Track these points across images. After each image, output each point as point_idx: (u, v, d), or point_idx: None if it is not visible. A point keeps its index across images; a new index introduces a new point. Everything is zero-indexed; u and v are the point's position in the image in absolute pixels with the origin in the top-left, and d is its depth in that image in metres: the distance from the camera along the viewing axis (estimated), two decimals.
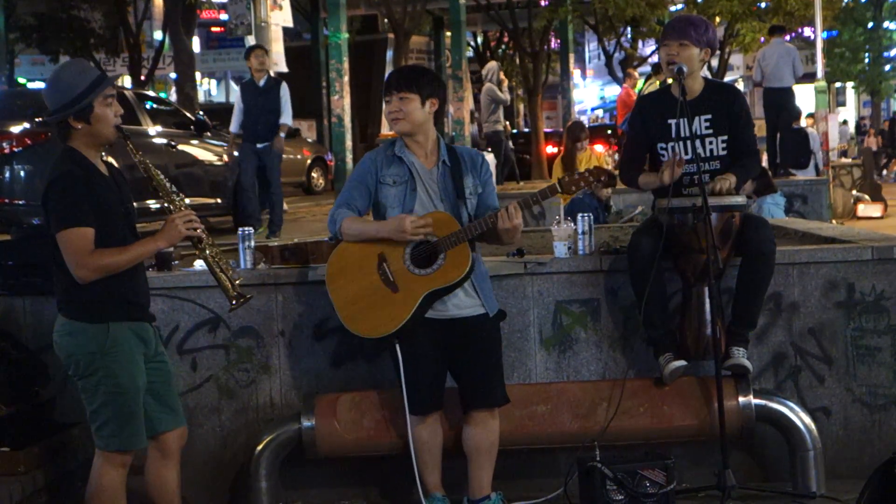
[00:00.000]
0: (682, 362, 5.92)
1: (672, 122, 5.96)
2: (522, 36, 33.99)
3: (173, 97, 24.97)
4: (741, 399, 5.90)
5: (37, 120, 11.16)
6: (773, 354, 6.31)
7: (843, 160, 26.59)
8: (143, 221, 5.32)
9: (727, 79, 37.34)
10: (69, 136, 4.90)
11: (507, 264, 6.27)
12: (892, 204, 22.57)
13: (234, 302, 5.10)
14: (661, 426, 5.98)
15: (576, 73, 43.49)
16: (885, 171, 35.77)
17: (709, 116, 5.99)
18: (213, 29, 39.08)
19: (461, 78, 26.02)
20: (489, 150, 20.56)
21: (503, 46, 40.60)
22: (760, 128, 18.00)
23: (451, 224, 5.40)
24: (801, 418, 5.97)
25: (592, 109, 52.65)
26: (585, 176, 5.47)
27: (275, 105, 12.67)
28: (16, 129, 11.12)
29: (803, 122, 19.65)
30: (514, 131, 26.99)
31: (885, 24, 43.87)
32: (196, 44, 29.21)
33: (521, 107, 41.60)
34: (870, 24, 43.36)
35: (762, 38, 28.41)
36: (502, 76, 20.27)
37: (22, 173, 10.95)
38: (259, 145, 12.67)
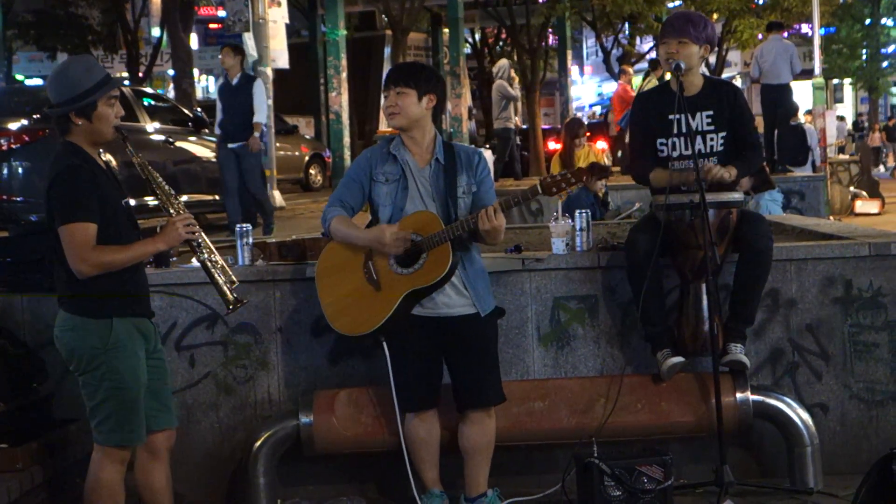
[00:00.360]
0: (679, 358, 5.93)
1: (673, 117, 5.96)
2: (520, 32, 33.96)
3: (171, 94, 24.95)
4: (739, 395, 5.90)
5: (34, 116, 11.16)
6: (770, 351, 6.32)
7: (841, 156, 26.59)
8: (141, 218, 5.31)
9: (724, 75, 37.29)
10: (68, 131, 4.90)
11: (504, 261, 6.27)
12: (890, 200, 22.57)
13: (230, 307, 5.10)
14: (659, 422, 5.99)
15: (573, 70, 43.49)
16: (881, 167, 35.82)
17: (710, 112, 5.99)
18: (211, 25, 39.07)
19: (459, 74, 26.04)
20: (487, 146, 20.55)
21: (501, 43, 40.60)
22: (758, 124, 18.02)
23: (434, 224, 5.39)
24: (798, 414, 5.97)
25: (590, 106, 52.60)
26: (567, 177, 5.35)
27: (247, 104, 12.47)
28: (14, 126, 11.12)
29: (801, 119, 19.63)
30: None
31: (883, 20, 43.89)
32: (194, 40, 29.20)
33: (519, 104, 41.59)
34: (867, 21, 43.37)
35: (760, 35, 28.44)
36: (513, 73, 20.24)
37: (20, 170, 10.96)
38: (232, 145, 12.49)
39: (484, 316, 5.57)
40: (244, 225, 6.62)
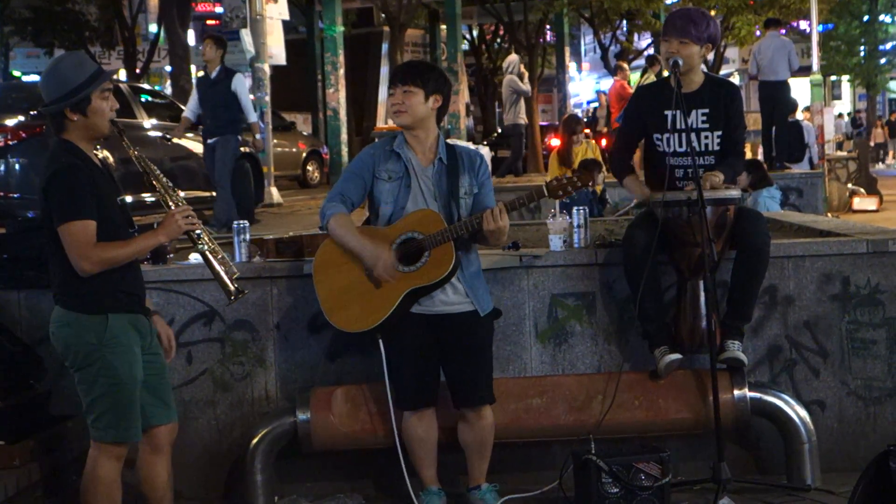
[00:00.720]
0: (677, 355, 5.93)
1: (669, 113, 5.96)
2: (518, 29, 33.93)
3: (168, 90, 24.93)
4: (736, 392, 5.90)
5: (31, 113, 11.15)
6: (768, 347, 6.32)
7: (839, 153, 26.62)
8: (138, 215, 5.31)
9: (722, 72, 37.33)
10: (63, 128, 4.89)
11: (502, 258, 6.26)
12: (888, 197, 22.59)
13: (232, 297, 5.10)
14: (657, 419, 5.99)
15: (571, 67, 43.46)
16: (881, 163, 35.85)
17: (706, 111, 5.99)
18: (209, 22, 38.99)
19: (456, 71, 26.02)
20: (485, 143, 20.54)
21: (499, 40, 40.58)
22: (756, 121, 18.03)
23: (437, 222, 5.39)
24: (796, 411, 5.97)
25: (588, 103, 52.57)
26: (573, 181, 5.39)
27: (224, 99, 12.13)
28: (10, 122, 11.11)
29: (799, 116, 19.64)
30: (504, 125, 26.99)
31: (881, 17, 43.87)
32: (191, 37, 29.14)
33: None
34: (865, 18, 43.35)
35: (758, 32, 28.43)
36: (522, 69, 20.21)
37: (17, 166, 10.94)
38: (210, 140, 12.22)
39: (483, 316, 5.57)
40: (241, 221, 6.61)
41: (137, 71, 29.03)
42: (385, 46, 31.75)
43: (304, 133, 26.81)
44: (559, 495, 5.90)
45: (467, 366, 5.56)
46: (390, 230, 5.48)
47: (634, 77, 27.66)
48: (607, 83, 25.13)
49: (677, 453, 6.01)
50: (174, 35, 22.36)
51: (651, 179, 6.15)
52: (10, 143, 10.93)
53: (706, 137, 6.00)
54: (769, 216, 7.73)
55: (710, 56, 7.03)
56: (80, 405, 5.01)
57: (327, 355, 6.33)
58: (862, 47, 43.54)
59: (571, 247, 6.41)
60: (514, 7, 33.30)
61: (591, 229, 6.62)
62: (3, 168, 10.96)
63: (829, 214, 15.88)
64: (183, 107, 14.75)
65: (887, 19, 44.49)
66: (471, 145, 11.75)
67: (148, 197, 10.19)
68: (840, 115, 40.32)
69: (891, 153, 41.15)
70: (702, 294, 5.84)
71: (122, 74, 27.72)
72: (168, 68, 27.71)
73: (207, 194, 13.60)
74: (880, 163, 37.85)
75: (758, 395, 5.97)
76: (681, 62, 5.89)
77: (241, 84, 12.31)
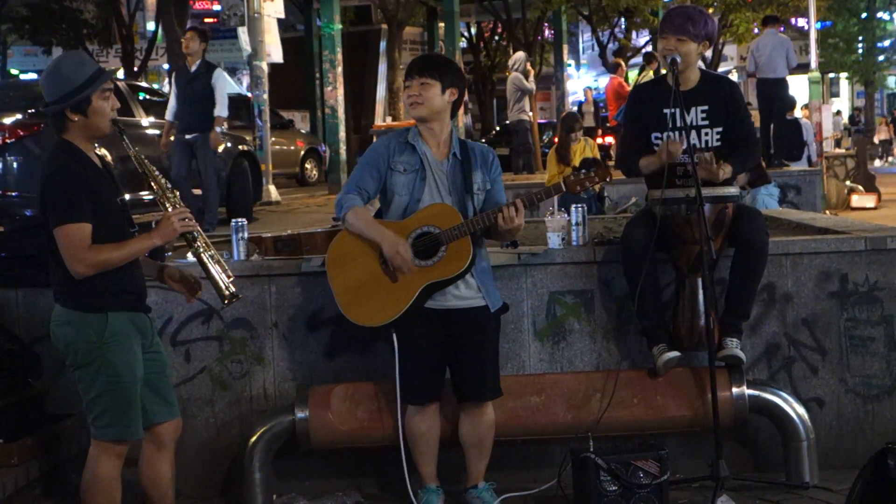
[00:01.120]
0: (675, 353, 5.93)
1: (667, 111, 5.95)
2: (516, 27, 33.94)
3: (166, 88, 24.91)
4: (735, 390, 5.90)
5: (29, 111, 11.13)
6: (766, 345, 6.32)
7: (837, 151, 26.62)
8: (136, 213, 5.30)
9: (720, 69, 37.35)
10: (64, 128, 4.89)
11: (500, 255, 6.26)
12: (886, 194, 22.60)
13: (225, 301, 5.09)
14: (655, 417, 5.99)
15: (569, 64, 43.45)
16: (883, 160, 35.86)
17: (705, 107, 5.98)
18: (206, 20, 38.98)
19: None
20: (482, 141, 20.53)
21: (497, 37, 40.58)
22: (754, 119, 18.04)
23: (454, 217, 5.39)
24: (794, 409, 5.97)
25: (584, 100, 52.56)
26: (591, 176, 5.41)
27: (203, 93, 11.84)
28: (8, 120, 11.08)
29: (798, 113, 19.64)
30: (508, 122, 26.97)
31: (879, 14, 43.91)
32: None
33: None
34: (863, 15, 43.39)
35: (756, 29, 28.44)
36: (528, 66, 20.19)
37: (14, 165, 10.91)
38: (188, 136, 11.88)
39: (493, 311, 5.57)
40: (239, 220, 6.61)
41: (135, 69, 29.01)
42: (383, 44, 31.71)
43: (303, 131, 26.81)
44: (558, 493, 5.90)
45: (475, 361, 5.56)
46: (406, 224, 5.47)
47: (632, 74, 27.68)
48: (605, 81, 25.12)
49: (676, 451, 6.00)
50: (172, 33, 22.31)
51: (650, 178, 6.14)
52: (8, 141, 10.89)
53: (706, 134, 6.00)
54: (768, 214, 7.74)
55: (708, 53, 7.00)
56: (78, 403, 5.01)
57: (326, 353, 6.33)
58: (860, 44, 43.58)
59: (570, 244, 6.41)
60: (513, 4, 33.31)
61: (589, 227, 6.62)
62: (0, 166, 10.94)
63: (828, 212, 15.91)
64: None
65: (885, 16, 44.52)
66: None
67: (146, 195, 10.18)
68: (838, 113, 40.31)
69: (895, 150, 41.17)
70: (700, 292, 5.84)
71: (120, 72, 27.67)
72: (166, 66, 27.73)
73: None
74: (882, 159, 37.84)
75: (756, 392, 5.97)
76: (679, 59, 5.89)
77: (222, 79, 12.06)
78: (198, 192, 12.91)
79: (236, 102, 24.93)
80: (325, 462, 6.28)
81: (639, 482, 5.55)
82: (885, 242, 6.31)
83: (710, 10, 27.69)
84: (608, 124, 21.52)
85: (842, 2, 41.18)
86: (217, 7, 29.11)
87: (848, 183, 22.31)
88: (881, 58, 44.46)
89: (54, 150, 4.88)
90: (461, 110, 22.82)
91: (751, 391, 5.94)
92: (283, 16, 20.21)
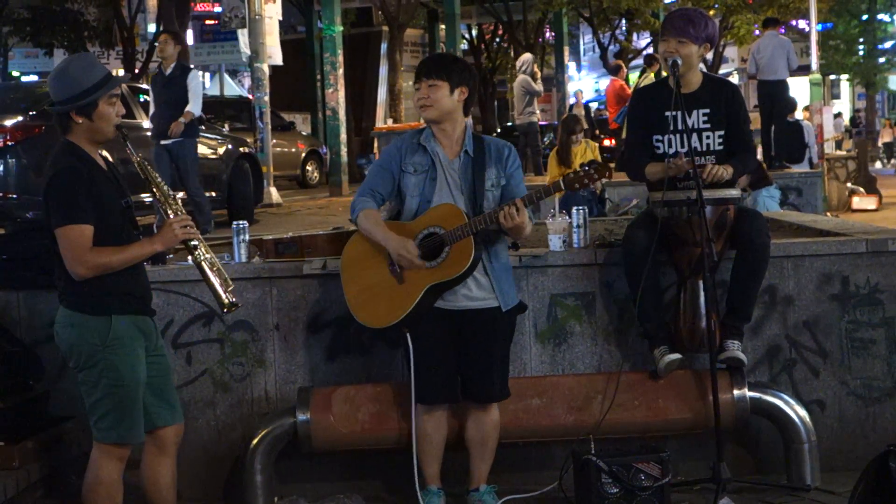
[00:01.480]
0: (676, 355, 5.92)
1: (669, 114, 5.94)
2: (517, 28, 33.96)
3: (206, 87, 24.93)
4: (736, 392, 5.90)
5: (30, 113, 11.13)
6: (767, 347, 6.32)
7: (838, 153, 26.61)
8: (137, 215, 5.30)
9: (721, 71, 37.35)
10: (69, 130, 4.89)
11: None
12: (887, 196, 22.59)
13: (225, 310, 5.09)
14: (656, 419, 5.98)
15: (570, 66, 43.47)
16: (888, 163, 35.85)
17: (707, 111, 5.98)
18: (207, 22, 39.00)
19: None
20: None
21: (498, 39, 40.59)
22: (755, 120, 18.02)
23: (458, 217, 5.37)
24: (795, 411, 5.97)
25: (587, 102, 52.58)
26: (590, 173, 5.34)
27: (179, 97, 11.59)
28: (9, 122, 11.08)
29: (798, 115, 19.64)
30: (509, 124, 26.98)
31: (880, 16, 43.91)
32: (190, 36, 29.15)
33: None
34: (864, 17, 43.39)
35: (756, 31, 28.44)
36: (535, 68, 20.19)
37: (15, 167, 10.91)
38: (165, 142, 11.60)
39: (505, 311, 5.55)
40: (240, 222, 6.61)
41: (136, 71, 29.00)
42: (384, 46, 31.74)
43: (304, 133, 26.82)
44: (559, 496, 5.89)
45: (483, 362, 5.56)
46: (414, 225, 5.48)
47: (632, 76, 27.66)
48: (607, 83, 25.13)
49: (677, 453, 6.00)
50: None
51: (652, 180, 6.14)
52: (9, 143, 10.90)
53: (707, 137, 5.99)
54: (769, 216, 7.73)
55: (709, 55, 7.00)
56: (79, 406, 5.01)
57: (327, 356, 6.33)
58: (861, 46, 43.57)
59: (571, 247, 6.40)
60: (513, 6, 33.32)
61: (590, 229, 6.61)
62: (1, 169, 10.93)
63: (829, 214, 15.88)
64: None
65: (886, 18, 44.52)
66: None
67: (146, 197, 10.19)
68: (839, 115, 40.30)
69: None
70: (701, 294, 5.83)
71: (121, 74, 27.69)
72: None
73: (207, 194, 13.58)
74: (887, 162, 37.82)
75: (757, 394, 5.96)
76: (680, 62, 5.89)
77: (196, 80, 11.81)
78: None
79: (237, 104, 25.00)
80: (327, 464, 6.28)
81: (640, 484, 5.55)
82: (886, 245, 6.30)
83: (711, 13, 27.71)
84: (609, 127, 21.49)
85: (843, 3, 41.17)
86: (218, 9, 29.13)
87: (849, 185, 22.29)
88: (882, 59, 44.45)
89: (58, 151, 4.88)
90: None
91: (752, 393, 5.94)
92: (281, 17, 20.21)
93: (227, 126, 19.65)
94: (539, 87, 19.94)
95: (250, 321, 6.31)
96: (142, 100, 13.61)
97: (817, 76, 24.78)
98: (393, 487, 6.19)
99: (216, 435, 6.35)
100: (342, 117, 21.22)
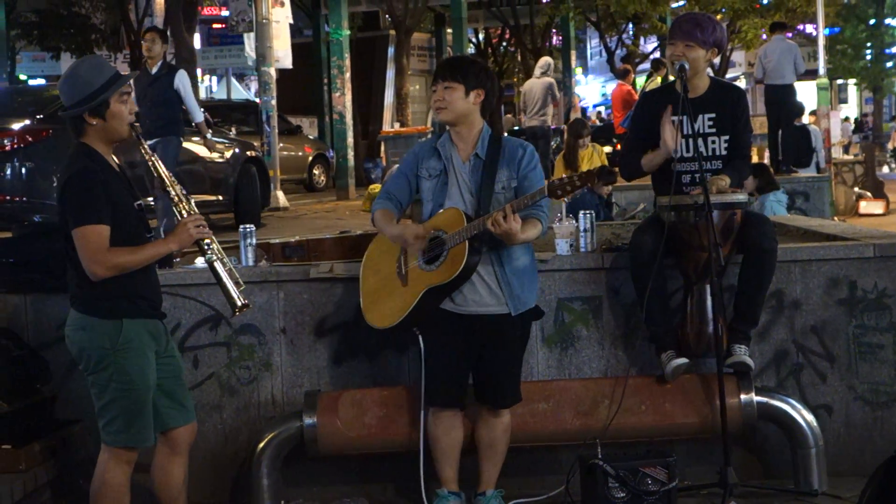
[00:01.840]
0: (683, 360, 5.92)
1: (675, 118, 5.94)
2: (524, 32, 33.97)
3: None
4: (743, 397, 5.89)
5: (38, 116, 11.14)
6: (775, 352, 6.31)
7: (846, 157, 26.58)
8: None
9: (728, 76, 37.33)
10: (83, 132, 4.91)
11: None
12: (894, 201, 22.56)
13: (236, 311, 5.09)
14: (663, 424, 5.98)
15: (577, 70, 43.48)
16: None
17: (713, 115, 5.98)
18: (215, 25, 39.03)
19: None
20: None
21: (504, 43, 40.62)
22: (762, 125, 18.01)
23: (459, 221, 5.37)
24: (802, 416, 5.96)
25: (594, 106, 52.61)
26: (573, 180, 5.23)
27: (164, 96, 11.22)
28: (17, 126, 11.09)
29: (805, 120, 19.61)
30: (517, 128, 26.99)
31: (887, 20, 43.87)
32: (197, 40, 29.15)
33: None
34: (872, 21, 43.36)
35: (764, 35, 28.43)
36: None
37: (23, 170, 10.91)
38: (148, 142, 11.31)
39: (514, 316, 5.52)
40: (247, 225, 6.62)
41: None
42: (391, 50, 31.78)
43: (311, 137, 26.86)
44: (566, 500, 5.88)
45: (494, 368, 5.56)
46: (422, 228, 5.52)
47: (639, 81, 27.66)
48: (613, 87, 25.11)
49: (684, 458, 6.00)
50: (180, 38, 22.37)
51: (657, 185, 6.14)
52: (17, 146, 10.90)
53: (713, 142, 5.99)
54: (776, 220, 7.72)
55: (717, 60, 6.99)
56: (86, 409, 5.01)
57: (334, 359, 6.33)
58: (868, 51, 43.54)
59: (578, 251, 6.40)
60: (521, 11, 33.33)
61: (597, 233, 6.61)
62: (9, 172, 10.93)
63: (836, 218, 15.89)
64: None
65: (894, 23, 44.47)
66: None
67: (152, 201, 10.21)
68: (846, 119, 40.24)
69: None
70: (708, 298, 5.83)
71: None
72: None
73: (214, 198, 13.63)
74: (889, 166, 37.73)
75: (765, 399, 5.96)
76: (687, 66, 5.88)
77: (185, 81, 11.42)
78: (207, 197, 12.91)
79: (244, 108, 25.02)
80: (333, 468, 6.27)
81: (647, 489, 5.54)
82: (893, 249, 6.29)
83: (719, 17, 27.73)
84: (615, 131, 21.47)
85: (850, 8, 41.17)
86: (226, 13, 29.15)
87: (856, 189, 22.27)
88: (889, 64, 44.39)
89: (74, 153, 4.90)
90: None
91: (759, 398, 5.93)
92: (291, 21, 20.25)
93: (233, 130, 19.65)
94: (559, 92, 19.94)
95: (257, 325, 6.31)
96: None
97: (824, 81, 24.76)
98: (400, 491, 6.19)
99: (223, 438, 6.36)
100: (349, 121, 21.25)
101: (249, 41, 18.66)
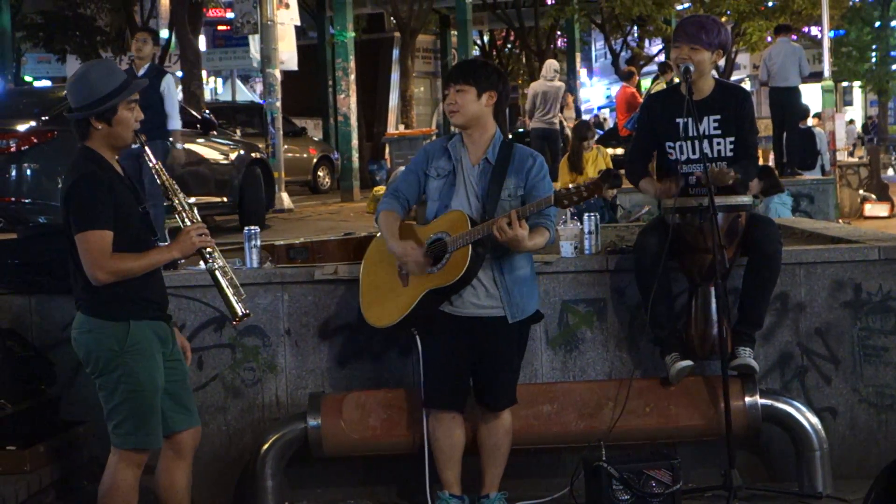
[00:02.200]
0: (688, 362, 5.92)
1: (680, 120, 5.94)
2: (529, 35, 33.98)
3: (179, 95, 24.99)
4: (747, 399, 5.89)
5: (43, 118, 11.15)
6: (779, 354, 6.30)
7: (851, 160, 26.56)
8: None
9: (734, 78, 37.32)
10: (87, 136, 4.90)
11: None
12: None
13: (236, 320, 5.09)
14: (668, 426, 5.98)
15: (582, 72, 43.48)
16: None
17: (718, 117, 5.97)
18: (220, 27, 39.13)
19: None
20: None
21: (509, 45, 40.61)
22: (767, 127, 18.00)
23: (463, 224, 5.37)
24: (807, 418, 5.96)
25: (599, 108, 52.62)
26: (580, 191, 5.23)
27: (151, 100, 10.53)
28: (22, 127, 11.10)
29: (809, 122, 19.59)
30: (521, 129, 26.98)
31: (893, 23, 43.79)
32: (202, 42, 29.20)
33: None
34: (877, 24, 43.29)
35: (769, 38, 28.41)
36: None
37: (28, 172, 10.93)
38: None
39: (512, 322, 5.52)
40: (252, 227, 6.62)
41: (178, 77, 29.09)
42: (396, 52, 31.80)
43: (315, 138, 26.87)
44: (570, 502, 5.89)
45: (490, 370, 5.56)
46: (425, 229, 5.52)
47: (644, 83, 27.64)
48: (617, 89, 25.09)
49: (688, 460, 6.00)
50: (185, 40, 22.39)
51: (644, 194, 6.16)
52: (22, 148, 10.91)
53: (718, 144, 5.99)
54: (780, 223, 7.72)
55: (722, 62, 6.99)
56: (91, 410, 5.02)
57: (338, 361, 6.33)
58: (873, 53, 43.46)
59: (582, 253, 6.40)
60: (525, 13, 33.33)
61: (602, 235, 6.62)
62: (14, 174, 10.94)
63: (841, 221, 15.85)
64: (194, 112, 14.77)
65: None
66: None
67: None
68: (851, 122, 40.18)
69: None
70: (713, 301, 5.83)
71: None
72: (179, 73, 27.79)
73: (218, 200, 13.63)
74: (893, 169, 37.63)
75: (769, 402, 5.95)
76: (692, 68, 5.88)
77: (171, 86, 11.03)
78: (211, 199, 12.90)
79: (249, 110, 25.05)
80: (338, 470, 6.28)
81: (651, 491, 5.54)
82: None
83: (724, 19, 27.72)
84: (619, 134, 21.46)
85: (855, 11, 41.09)
86: (231, 15, 29.19)
87: (861, 192, 22.23)
88: (895, 66, 44.32)
89: (78, 157, 4.90)
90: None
91: (764, 400, 5.93)
92: (298, 23, 20.25)
93: (238, 131, 19.67)
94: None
95: (261, 326, 6.31)
96: None
97: (829, 83, 24.71)
98: (404, 493, 6.19)
99: (227, 440, 6.36)
100: (354, 123, 21.25)
101: (254, 43, 18.65)
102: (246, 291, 5.16)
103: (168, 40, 29.22)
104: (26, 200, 10.91)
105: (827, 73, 24.95)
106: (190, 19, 22.11)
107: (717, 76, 6.38)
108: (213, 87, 44.66)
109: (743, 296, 5.98)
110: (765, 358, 6.24)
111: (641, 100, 16.67)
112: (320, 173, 24.30)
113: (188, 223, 4.99)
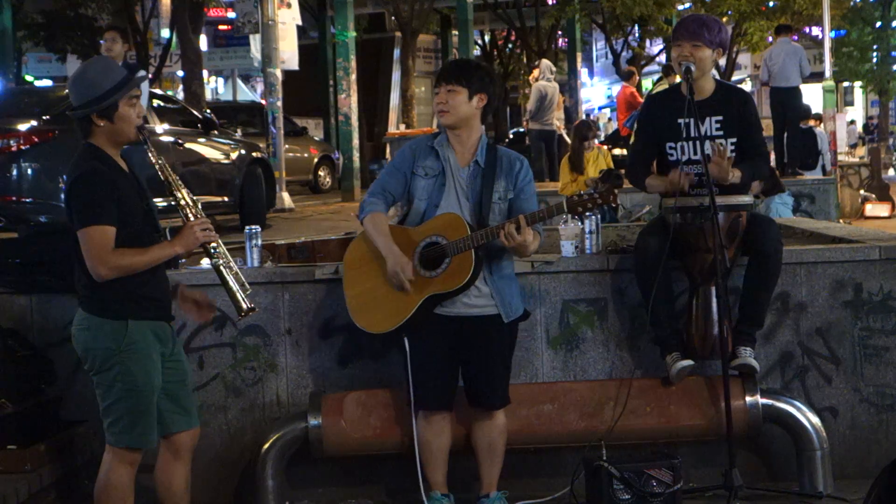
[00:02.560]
0: (688, 362, 5.92)
1: (682, 121, 5.93)
2: (530, 35, 33.97)
3: (180, 95, 24.99)
4: (748, 399, 5.89)
5: (44, 117, 11.14)
6: (780, 354, 6.30)
7: (851, 160, 26.54)
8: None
9: (734, 78, 37.28)
10: (90, 133, 4.91)
11: (514, 264, 6.24)
12: None
13: (242, 314, 5.09)
14: (668, 426, 5.98)
15: (583, 72, 43.45)
16: None
17: (720, 118, 5.96)
18: (221, 27, 39.10)
19: None
20: None
21: (510, 45, 40.60)
22: (768, 127, 17.98)
23: (461, 228, 5.36)
24: (808, 418, 5.96)
25: (600, 108, 52.59)
26: (594, 198, 5.27)
27: None
28: (23, 126, 11.09)
29: (811, 122, 19.58)
30: (521, 130, 27.00)
31: (894, 23, 43.77)
32: (203, 42, 29.20)
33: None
34: (878, 24, 43.27)
35: (769, 38, 28.40)
36: None
37: (29, 171, 10.91)
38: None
39: (507, 322, 5.53)
40: (253, 227, 6.62)
41: (150, 76, 29.07)
42: (397, 52, 31.81)
43: (316, 138, 26.86)
44: (570, 502, 5.89)
45: (483, 369, 5.55)
46: (418, 231, 5.48)
47: (645, 83, 27.64)
48: (618, 89, 25.09)
49: (689, 460, 6.00)
50: (186, 40, 22.41)
51: (651, 193, 6.15)
52: (23, 147, 10.90)
53: (720, 145, 5.98)
54: (781, 222, 7.72)
55: (722, 62, 6.98)
56: (91, 410, 5.02)
57: (339, 361, 6.33)
58: (874, 53, 43.45)
59: (583, 253, 6.40)
60: (527, 13, 33.33)
61: (602, 235, 6.61)
62: (15, 173, 10.92)
63: (842, 221, 15.84)
64: (196, 112, 14.77)
65: None
66: None
67: (160, 202, 10.20)
68: (852, 122, 40.14)
69: None
70: (714, 300, 5.83)
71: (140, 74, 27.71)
72: (180, 73, 27.82)
73: (219, 199, 13.62)
74: (894, 169, 37.60)
75: (770, 401, 5.95)
76: (693, 68, 5.87)
77: (145, 87, 10.94)
78: (212, 198, 12.89)
79: (250, 110, 25.06)
80: (338, 469, 6.28)
81: (652, 491, 5.54)
82: None
83: (725, 19, 27.72)
84: (620, 133, 21.45)
85: (856, 11, 41.07)
86: (232, 14, 29.20)
87: (862, 192, 22.23)
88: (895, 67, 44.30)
89: (81, 154, 4.90)
90: None
91: (764, 400, 5.93)
92: (300, 22, 20.25)
93: (239, 131, 19.66)
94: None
95: (262, 326, 6.31)
96: (155, 105, 13.63)
97: (830, 83, 24.70)
98: (404, 492, 6.18)
99: (227, 439, 6.36)
100: (354, 123, 21.25)
101: (255, 43, 18.64)
102: (249, 296, 5.15)
103: (169, 40, 29.23)
104: (27, 200, 10.90)
105: (828, 74, 24.93)
106: (191, 19, 22.14)
107: (717, 77, 6.38)
108: (215, 87, 44.67)
109: (744, 295, 5.98)
110: (765, 358, 6.24)
111: (641, 99, 16.69)
112: (321, 173, 24.30)
113: (192, 218, 4.99)
